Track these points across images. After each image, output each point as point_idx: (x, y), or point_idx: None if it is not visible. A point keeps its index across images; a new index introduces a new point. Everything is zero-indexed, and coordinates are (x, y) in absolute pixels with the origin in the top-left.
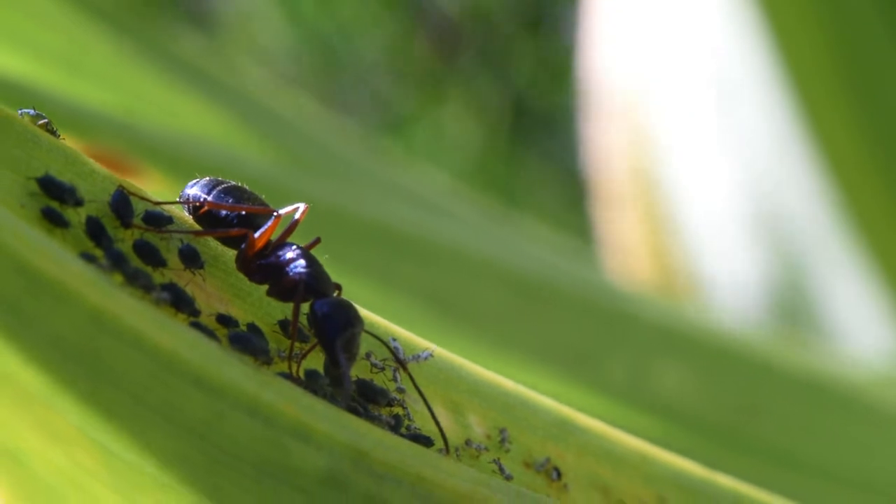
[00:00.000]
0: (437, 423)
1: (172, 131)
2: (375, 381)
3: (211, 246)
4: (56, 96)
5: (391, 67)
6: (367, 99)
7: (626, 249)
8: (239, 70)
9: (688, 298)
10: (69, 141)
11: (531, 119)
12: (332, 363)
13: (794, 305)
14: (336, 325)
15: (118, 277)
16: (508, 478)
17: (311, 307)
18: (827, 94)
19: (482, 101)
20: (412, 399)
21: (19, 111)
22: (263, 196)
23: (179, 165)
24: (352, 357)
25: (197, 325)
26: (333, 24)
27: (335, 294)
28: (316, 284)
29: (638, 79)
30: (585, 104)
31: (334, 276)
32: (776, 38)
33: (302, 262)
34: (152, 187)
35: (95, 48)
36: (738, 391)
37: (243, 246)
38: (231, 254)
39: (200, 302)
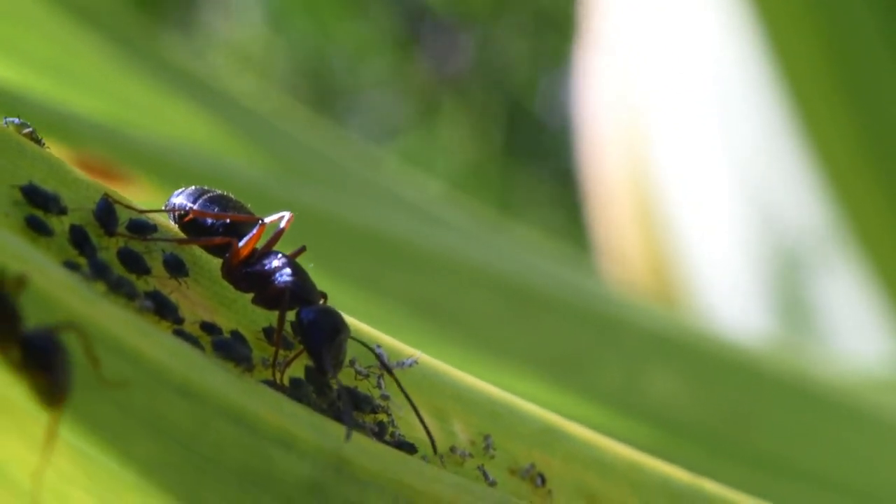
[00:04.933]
0: (423, 422)
1: (162, 139)
2: (360, 388)
3: (196, 254)
4: (44, 103)
5: (386, 75)
6: (362, 107)
7: (621, 255)
8: (229, 77)
9: (683, 303)
10: (56, 149)
11: (526, 126)
12: (319, 370)
13: (790, 310)
14: (322, 333)
15: (101, 286)
16: (492, 484)
17: (298, 315)
18: (823, 100)
19: (477, 109)
20: (396, 405)
21: (4, 120)
22: (250, 205)
23: (169, 173)
24: (338, 364)
25: (180, 333)
26: (326, 33)
27: (321, 302)
28: (301, 292)
29: (634, 86)
30: (581, 111)
31: (323, 283)
32: (772, 44)
33: (287, 270)
34: (141, 196)
35: (84, 54)
36: (732, 398)
37: (228, 254)
38: (216, 262)
39: (185, 309)
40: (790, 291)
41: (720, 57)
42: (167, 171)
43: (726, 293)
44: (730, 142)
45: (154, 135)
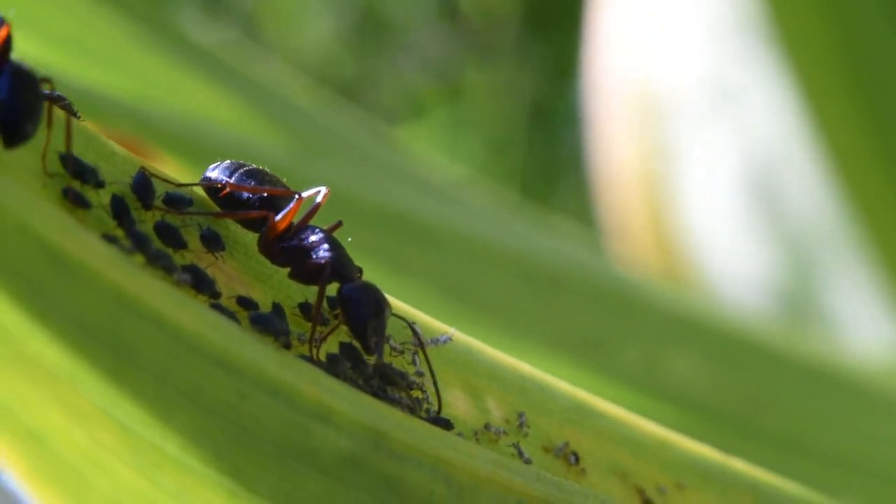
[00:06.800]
0: (435, 385)
1: (185, 117)
2: (395, 364)
3: (231, 229)
4: (68, 80)
5: (416, 53)
6: (391, 86)
7: (633, 240)
8: (251, 55)
9: (694, 289)
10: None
11: (548, 111)
12: (364, 347)
13: (799, 296)
14: (367, 310)
15: (139, 258)
16: (527, 461)
17: (340, 291)
18: (832, 86)
19: (503, 90)
20: (431, 382)
21: None
22: (285, 179)
23: (192, 151)
24: (382, 341)
25: (217, 307)
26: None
27: (358, 277)
28: (340, 267)
29: (645, 73)
30: (593, 98)
31: None
32: (782, 33)
33: (325, 245)
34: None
35: (107, 32)
36: (748, 380)
37: (265, 229)
38: (251, 236)
39: (221, 284)
40: (800, 276)
41: (730, 45)
42: (189, 149)
43: (737, 278)
44: (739, 127)
45: (178, 113)
